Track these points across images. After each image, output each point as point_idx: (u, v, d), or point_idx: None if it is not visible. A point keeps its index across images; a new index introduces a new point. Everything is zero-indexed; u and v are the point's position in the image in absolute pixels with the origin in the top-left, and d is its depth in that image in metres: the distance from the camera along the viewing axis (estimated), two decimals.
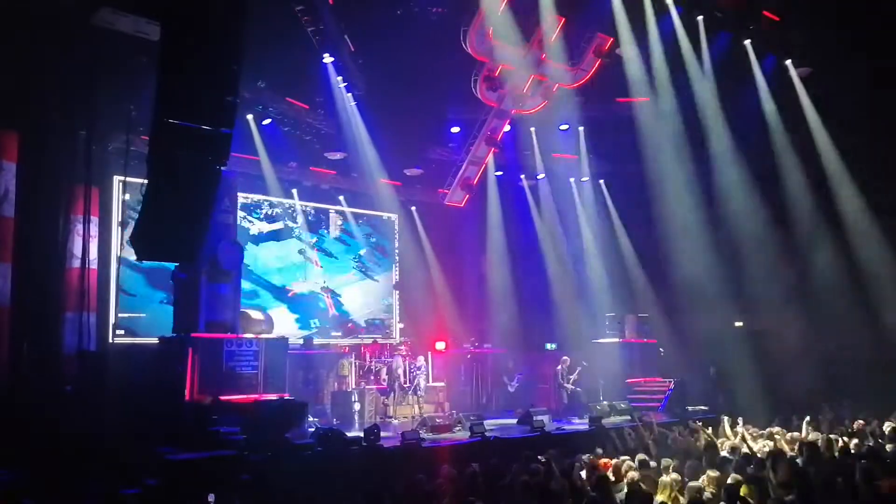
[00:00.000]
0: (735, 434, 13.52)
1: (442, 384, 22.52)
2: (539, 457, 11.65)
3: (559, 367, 21.90)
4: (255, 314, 17.59)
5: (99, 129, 17.61)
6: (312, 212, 24.45)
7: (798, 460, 10.85)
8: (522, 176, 27.29)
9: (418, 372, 21.39)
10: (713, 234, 22.59)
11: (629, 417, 18.91)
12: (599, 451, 13.13)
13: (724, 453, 11.60)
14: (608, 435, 15.15)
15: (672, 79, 21.94)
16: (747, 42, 21.92)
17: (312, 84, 20.78)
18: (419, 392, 21.06)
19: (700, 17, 21.20)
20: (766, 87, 22.68)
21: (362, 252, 25.68)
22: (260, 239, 23.07)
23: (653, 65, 21.81)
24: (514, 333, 25.19)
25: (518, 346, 24.90)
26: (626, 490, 9.23)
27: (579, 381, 21.76)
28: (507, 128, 24.26)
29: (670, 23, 21.30)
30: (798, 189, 22.86)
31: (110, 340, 19.04)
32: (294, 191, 23.49)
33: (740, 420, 14.76)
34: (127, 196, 19.50)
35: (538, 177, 26.86)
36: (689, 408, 20.40)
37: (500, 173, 26.36)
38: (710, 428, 14.43)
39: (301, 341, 21.18)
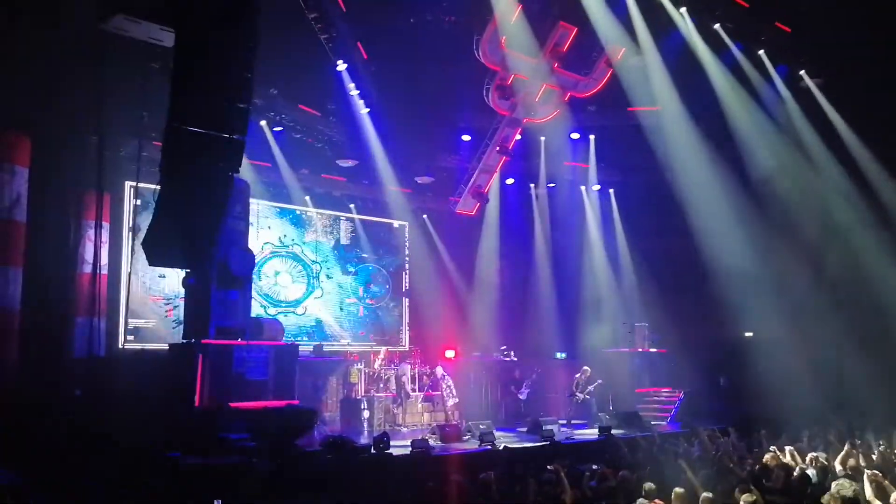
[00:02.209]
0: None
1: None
2: (549, 466, 11.62)
3: (578, 375, 21.89)
4: (266, 320, 17.59)
5: (111, 134, 17.65)
6: (324, 218, 24.46)
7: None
8: (533, 185, 27.27)
9: (448, 382, 21.37)
10: (724, 244, 22.49)
11: (639, 428, 18.89)
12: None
13: None
14: (618, 445, 15.09)
15: (685, 88, 21.89)
16: (761, 52, 21.89)
17: (325, 91, 20.80)
18: (447, 403, 21.08)
19: (717, 25, 21.15)
20: (784, 95, 22.62)
21: (373, 258, 25.69)
22: None
23: (666, 73, 21.76)
24: (523, 342, 25.14)
25: (528, 354, 24.83)
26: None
27: (592, 391, 21.75)
28: (518, 136, 24.22)
29: (680, 33, 21.30)
30: (808, 199, 22.79)
31: (120, 346, 19.05)
32: (307, 198, 23.49)
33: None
34: (138, 202, 19.53)
35: (549, 185, 26.85)
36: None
37: (511, 181, 26.34)
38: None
39: (311, 348, 21.18)
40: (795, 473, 10.62)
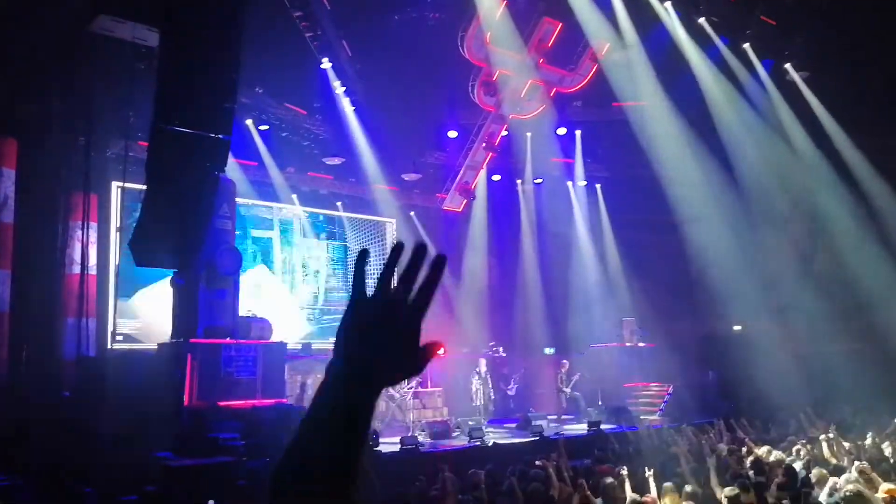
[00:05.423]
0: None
1: (440, 389, 22.47)
2: (537, 462, 11.65)
3: (559, 371, 21.92)
4: (254, 319, 17.59)
5: (98, 135, 17.63)
6: (310, 217, 24.43)
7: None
8: (519, 181, 27.30)
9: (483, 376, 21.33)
10: (711, 237, 22.56)
11: (628, 422, 18.94)
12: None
13: None
14: (607, 440, 15.13)
15: (671, 82, 21.97)
16: (746, 45, 21.98)
17: (310, 89, 20.83)
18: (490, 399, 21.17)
19: (702, 19, 21.24)
20: (768, 89, 22.71)
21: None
22: None
23: (651, 68, 21.83)
24: (512, 338, 25.17)
25: (516, 350, 24.87)
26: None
27: (578, 385, 21.80)
28: (504, 132, 24.27)
29: (665, 27, 21.41)
30: (797, 191, 22.89)
31: (109, 346, 19.01)
32: (294, 196, 23.46)
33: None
34: (125, 202, 19.49)
35: (535, 181, 26.90)
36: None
37: (497, 178, 26.38)
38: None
39: (299, 346, 21.18)
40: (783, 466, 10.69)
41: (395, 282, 1.66)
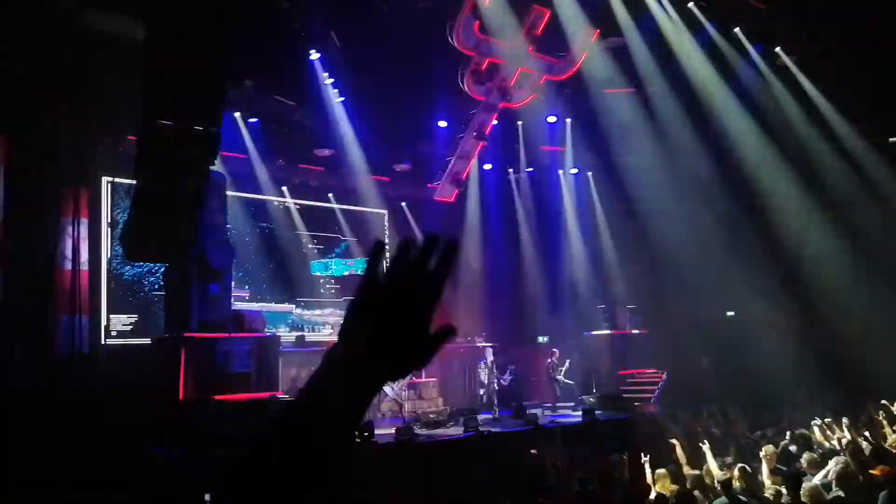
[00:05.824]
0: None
1: (434, 379, 22.46)
2: (532, 451, 11.68)
3: (549, 360, 21.95)
4: (247, 312, 17.58)
5: (87, 130, 17.56)
6: (300, 209, 24.37)
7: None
8: (511, 169, 27.27)
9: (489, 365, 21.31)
10: (704, 222, 22.53)
11: (622, 410, 18.95)
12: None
13: None
14: (602, 427, 15.17)
15: (663, 67, 21.91)
16: (737, 30, 21.94)
17: (300, 81, 20.76)
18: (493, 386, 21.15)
19: (691, 4, 21.18)
20: (762, 72, 22.67)
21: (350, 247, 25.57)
22: None
23: (643, 54, 21.78)
24: (505, 327, 25.16)
25: (510, 339, 24.86)
26: None
27: (571, 373, 21.81)
28: (494, 121, 24.21)
29: (655, 13, 21.35)
30: (789, 175, 22.85)
31: (102, 342, 18.98)
32: (284, 188, 23.41)
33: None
34: (115, 197, 19.43)
35: (527, 170, 26.87)
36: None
37: (489, 167, 26.35)
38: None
39: (293, 339, 21.16)
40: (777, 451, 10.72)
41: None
